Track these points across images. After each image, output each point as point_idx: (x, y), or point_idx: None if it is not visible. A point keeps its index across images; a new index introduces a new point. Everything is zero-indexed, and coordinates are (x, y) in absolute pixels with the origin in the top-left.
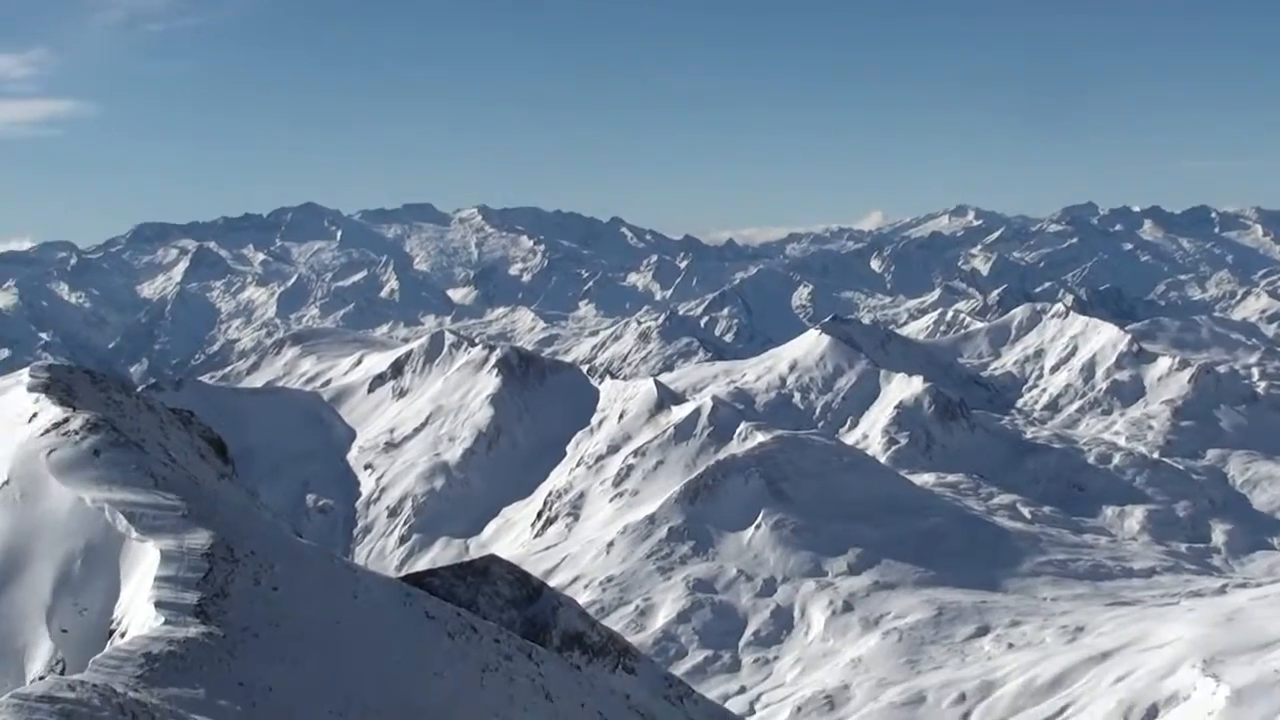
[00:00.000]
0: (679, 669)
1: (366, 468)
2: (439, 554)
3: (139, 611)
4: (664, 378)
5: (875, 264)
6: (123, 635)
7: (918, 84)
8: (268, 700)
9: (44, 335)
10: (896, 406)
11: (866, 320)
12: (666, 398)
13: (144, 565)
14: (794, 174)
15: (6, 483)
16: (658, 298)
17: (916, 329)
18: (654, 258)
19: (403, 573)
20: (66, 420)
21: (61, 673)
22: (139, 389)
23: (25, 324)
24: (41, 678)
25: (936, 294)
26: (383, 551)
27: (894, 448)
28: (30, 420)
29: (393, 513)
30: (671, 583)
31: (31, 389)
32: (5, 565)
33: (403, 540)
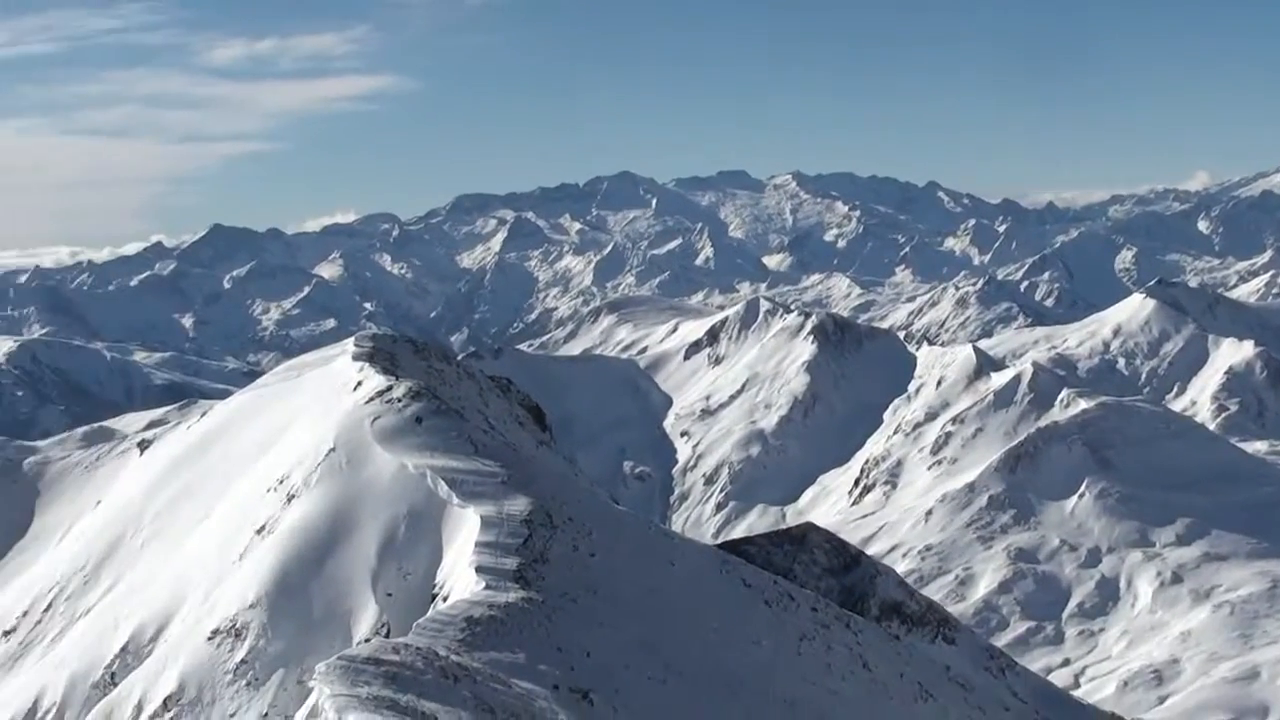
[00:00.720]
0: (1000, 640)
1: (683, 435)
2: (755, 521)
3: (460, 576)
4: (983, 344)
5: (1203, 225)
6: (445, 599)
7: (1242, 36)
8: (585, 665)
9: (368, 305)
10: (1226, 372)
11: (1193, 284)
12: (985, 364)
13: (465, 531)
14: (1115, 134)
15: (333, 450)
16: (975, 262)
17: (1246, 292)
18: (971, 222)
19: (719, 540)
20: (390, 388)
21: (386, 635)
22: (459, 357)
23: (350, 294)
24: (367, 640)
25: (1268, 255)
26: (699, 519)
27: (1224, 415)
28: (355, 389)
29: (709, 480)
30: (992, 552)
31: (356, 358)
32: (332, 530)
33: (719, 507)
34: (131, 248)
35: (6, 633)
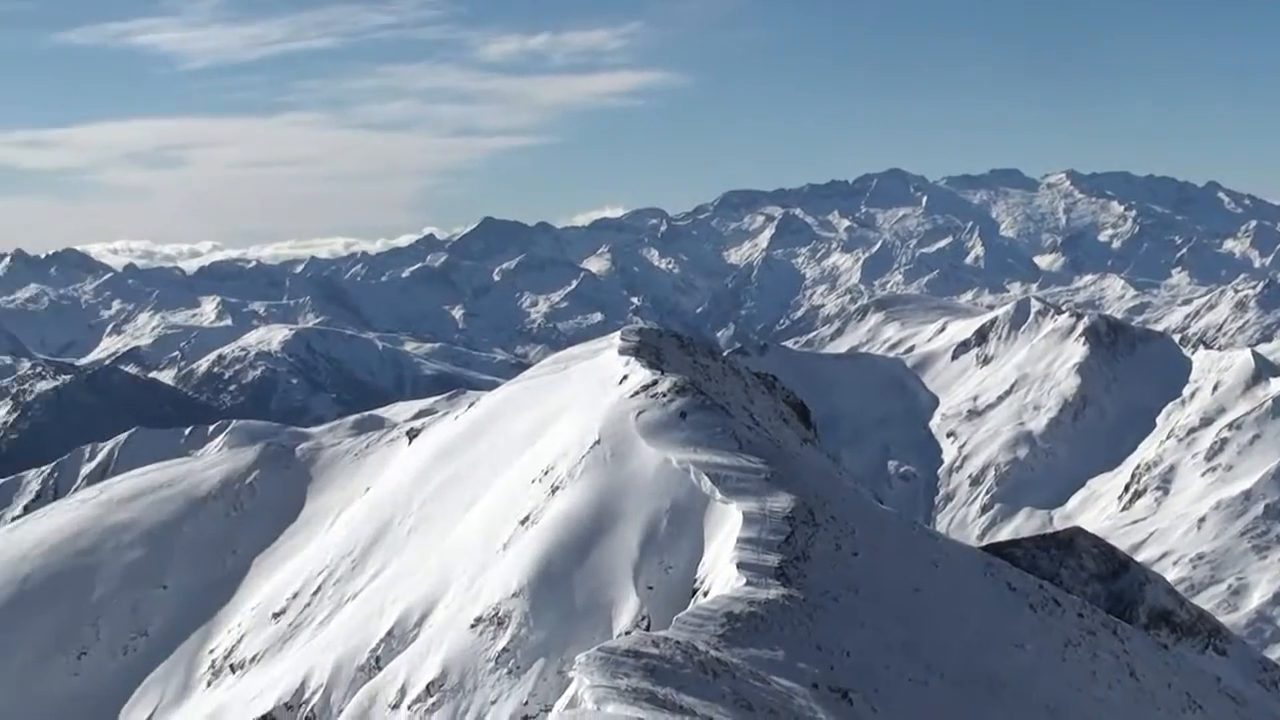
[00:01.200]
0: (1275, 654)
1: (949, 435)
2: (1021, 524)
3: (721, 572)
4: (1262, 348)
5: None
6: (705, 594)
7: None
8: (845, 664)
9: (634, 299)
10: None
11: None
12: (1264, 369)
13: (727, 526)
14: None
15: (598, 442)
16: (1256, 265)
17: None
18: (1253, 223)
19: (984, 542)
20: (655, 383)
21: (646, 628)
22: (724, 354)
23: (617, 288)
24: (627, 633)
25: None
26: (964, 520)
27: None
28: (621, 382)
29: (975, 481)
30: (1267, 562)
31: (622, 352)
32: (596, 522)
33: (984, 509)
34: (404, 240)
35: (276, 615)
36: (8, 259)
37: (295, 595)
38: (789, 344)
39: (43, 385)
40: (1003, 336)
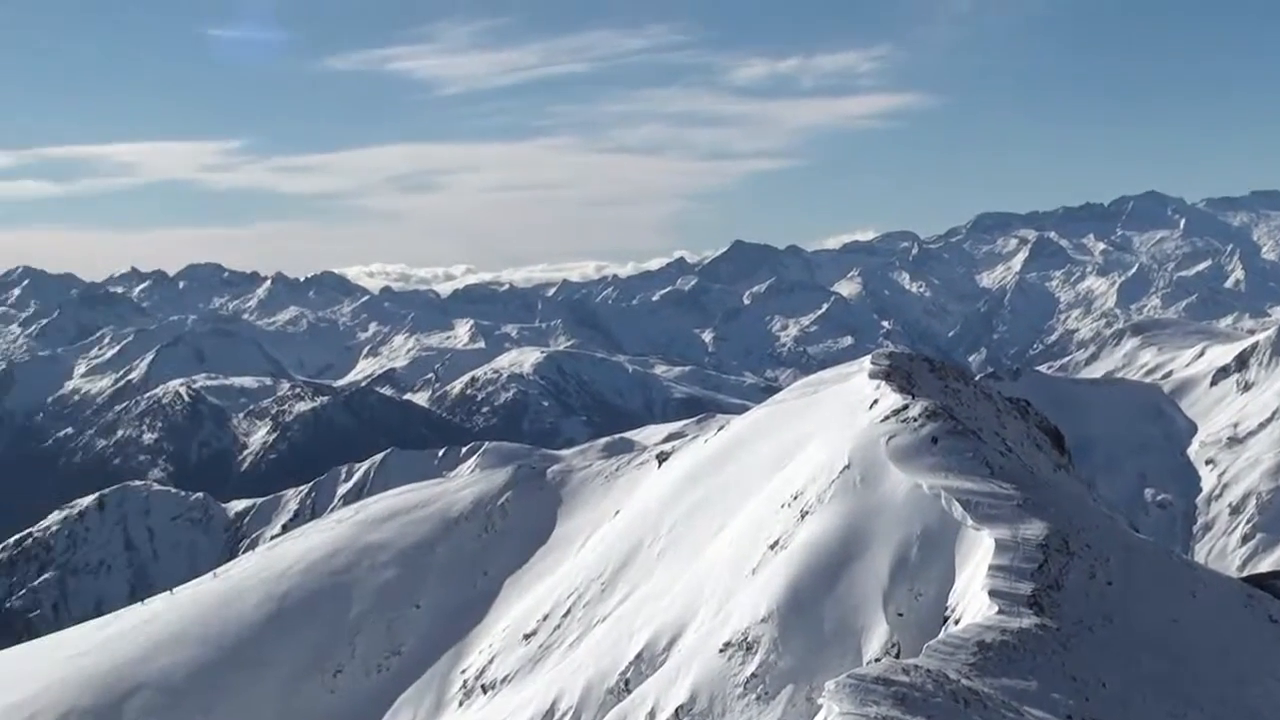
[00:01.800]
0: None
1: (1207, 463)
2: None
3: (973, 599)
4: None
5: None
6: (956, 622)
7: None
8: (1100, 696)
9: (885, 323)
10: None
11: None
12: None
13: (979, 554)
14: None
15: (847, 467)
16: None
17: None
18: None
19: (1244, 573)
20: (905, 407)
21: (896, 656)
22: (976, 378)
23: (868, 312)
24: (877, 660)
25: None
26: (1223, 550)
27: None
28: (871, 406)
29: (1235, 510)
30: None
31: (873, 376)
32: (845, 547)
33: (1245, 539)
34: (655, 263)
35: (527, 636)
36: (268, 282)
37: (545, 617)
38: (1043, 369)
39: (301, 406)
40: (1264, 362)
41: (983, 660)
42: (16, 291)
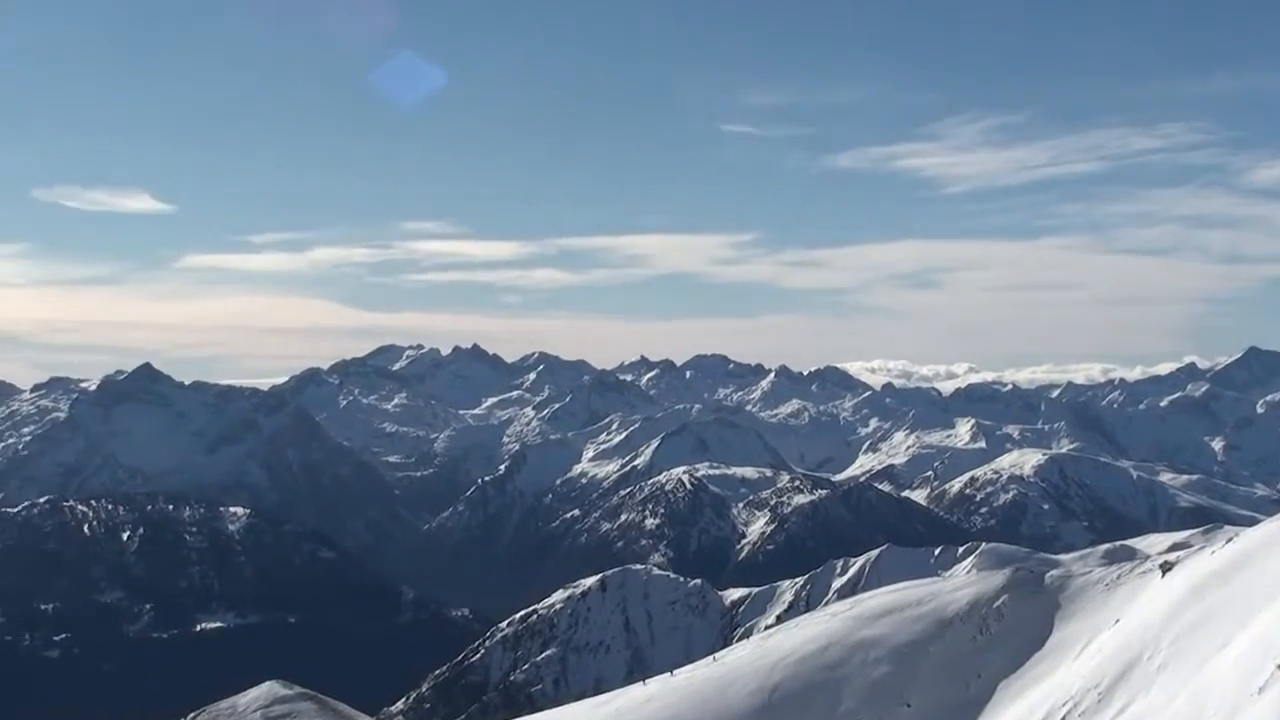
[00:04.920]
0: None
1: None
2: None
3: None
4: None
5: None
6: None
7: None
8: None
9: None
10: None
11: None
12: None
13: None
14: None
15: None
16: None
17: None
18: None
19: None
20: None
21: None
22: None
23: None
24: None
25: None
26: None
27: None
28: None
29: None
30: None
31: None
32: None
33: None
34: (1164, 367)
35: None
36: (772, 375)
37: None
38: None
39: (799, 499)
40: None
41: None
42: (532, 376)
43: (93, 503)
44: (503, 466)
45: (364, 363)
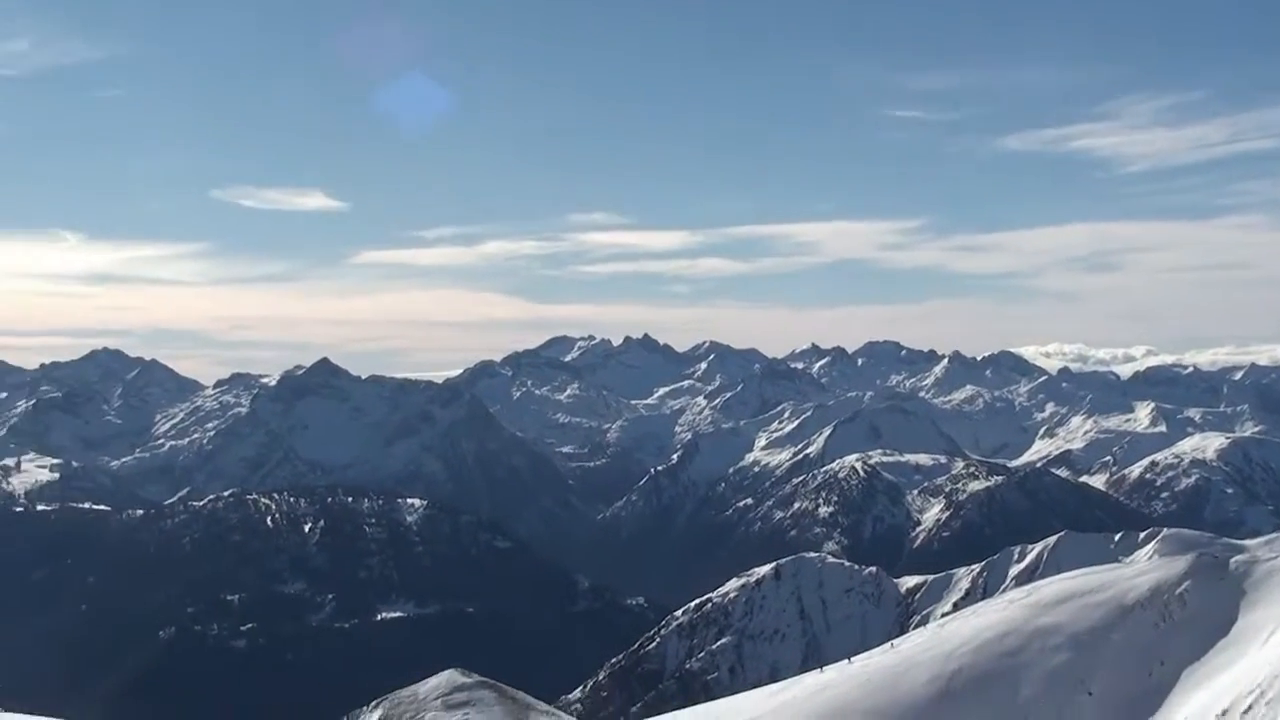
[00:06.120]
0: None
1: None
2: None
3: None
4: None
5: None
6: None
7: None
8: None
9: None
10: None
11: None
12: None
13: None
14: None
15: None
16: None
17: None
18: None
19: None
20: None
21: None
22: None
23: None
24: None
25: None
26: None
27: None
28: None
29: None
30: None
31: None
32: None
33: None
34: None
35: None
36: (945, 360)
37: (1225, 712)
38: None
39: (975, 485)
40: None
41: None
42: (703, 365)
43: (275, 495)
44: (675, 456)
45: (536, 354)
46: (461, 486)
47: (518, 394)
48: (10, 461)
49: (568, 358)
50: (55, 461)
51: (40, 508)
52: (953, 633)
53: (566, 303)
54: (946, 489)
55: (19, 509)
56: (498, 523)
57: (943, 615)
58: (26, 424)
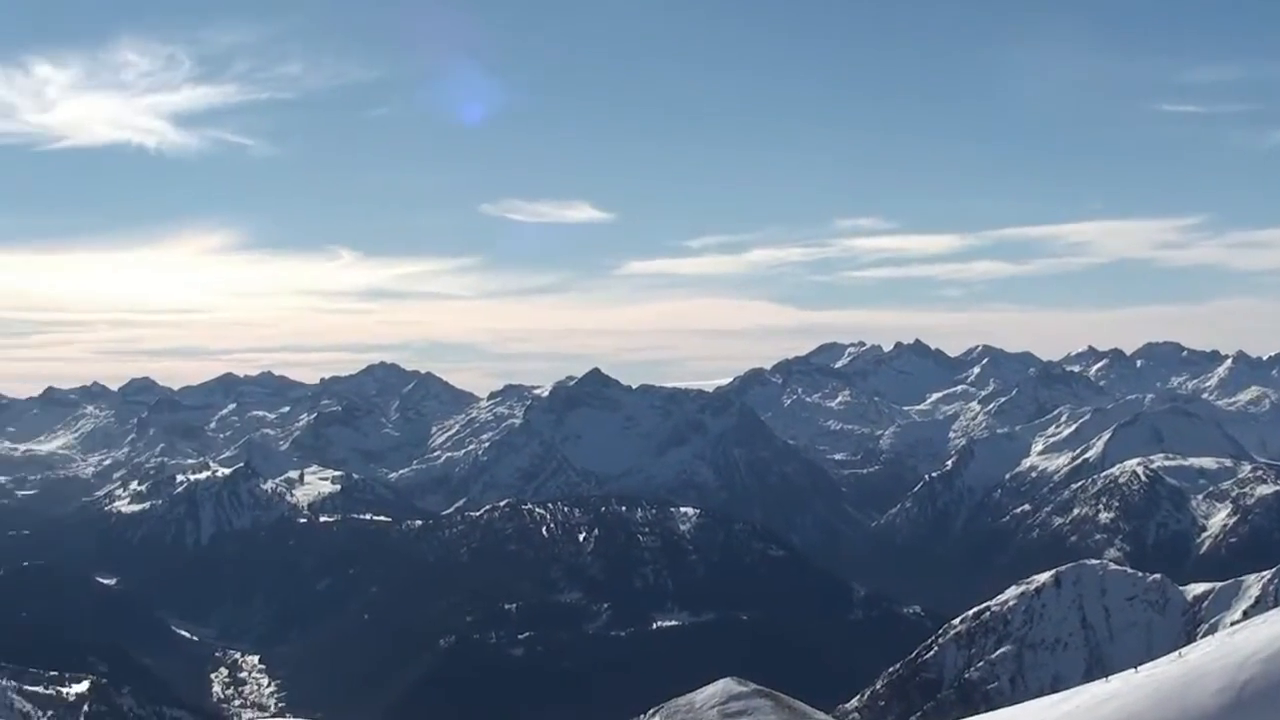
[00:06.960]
0: None
1: None
2: None
3: None
4: None
5: None
6: None
7: None
8: None
9: None
10: None
11: None
12: None
13: None
14: None
15: None
16: None
17: None
18: None
19: None
20: None
21: None
22: None
23: None
24: None
25: None
26: None
27: None
28: None
29: None
30: None
31: None
32: None
33: None
34: None
35: None
36: (1229, 361)
37: None
38: None
39: (1263, 489)
40: None
41: None
42: (976, 370)
43: (549, 505)
44: (949, 462)
45: (806, 361)
46: (734, 495)
47: (788, 401)
48: (294, 474)
49: (838, 364)
50: (336, 474)
51: (323, 519)
52: (1243, 642)
53: (835, 308)
54: (1233, 493)
55: (303, 520)
56: (771, 531)
57: (1232, 623)
58: (308, 437)
